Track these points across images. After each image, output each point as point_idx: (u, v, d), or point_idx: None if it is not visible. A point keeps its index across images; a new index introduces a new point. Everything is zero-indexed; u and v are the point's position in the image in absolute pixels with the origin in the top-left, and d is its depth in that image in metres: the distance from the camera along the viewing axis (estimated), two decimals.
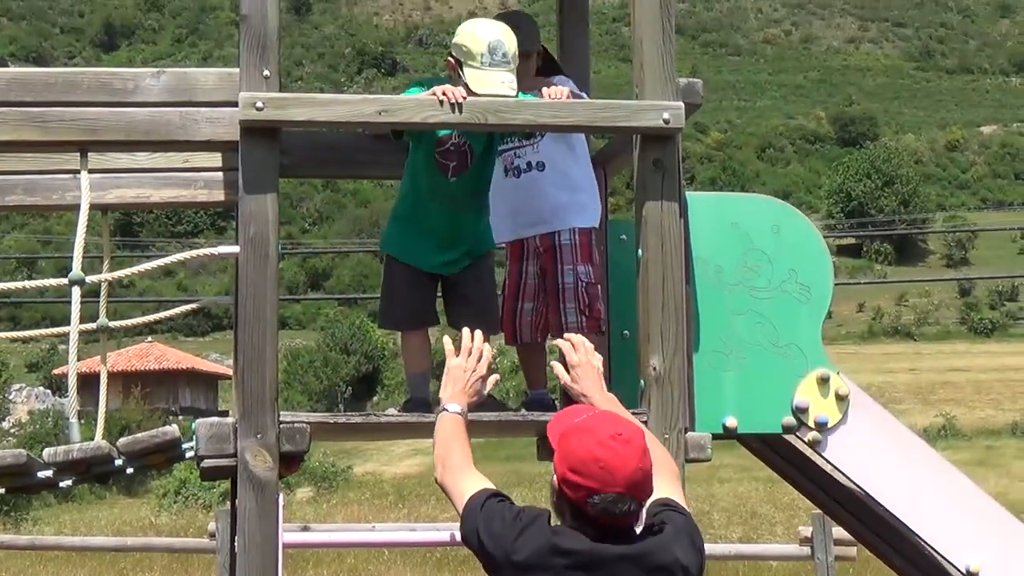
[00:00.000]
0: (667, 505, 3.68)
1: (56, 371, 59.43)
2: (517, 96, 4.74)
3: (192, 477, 32.55)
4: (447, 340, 4.14)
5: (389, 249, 5.28)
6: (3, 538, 18.78)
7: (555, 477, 3.56)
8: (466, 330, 4.17)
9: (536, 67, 5.37)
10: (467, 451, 3.91)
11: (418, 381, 5.28)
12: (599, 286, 5.15)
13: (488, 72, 4.72)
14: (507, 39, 4.80)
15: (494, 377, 4.16)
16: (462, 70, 4.78)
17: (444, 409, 4.00)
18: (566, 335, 4.26)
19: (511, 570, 3.54)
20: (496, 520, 3.61)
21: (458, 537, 4.71)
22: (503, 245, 5.42)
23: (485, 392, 4.12)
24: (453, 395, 4.03)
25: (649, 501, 3.59)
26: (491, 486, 3.76)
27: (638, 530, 3.56)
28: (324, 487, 37.94)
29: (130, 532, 23.85)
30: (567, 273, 5.20)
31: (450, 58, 4.86)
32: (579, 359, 4.14)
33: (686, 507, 3.75)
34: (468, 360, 4.09)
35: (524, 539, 3.53)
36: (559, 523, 3.60)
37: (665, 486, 3.74)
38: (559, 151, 5.32)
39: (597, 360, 4.16)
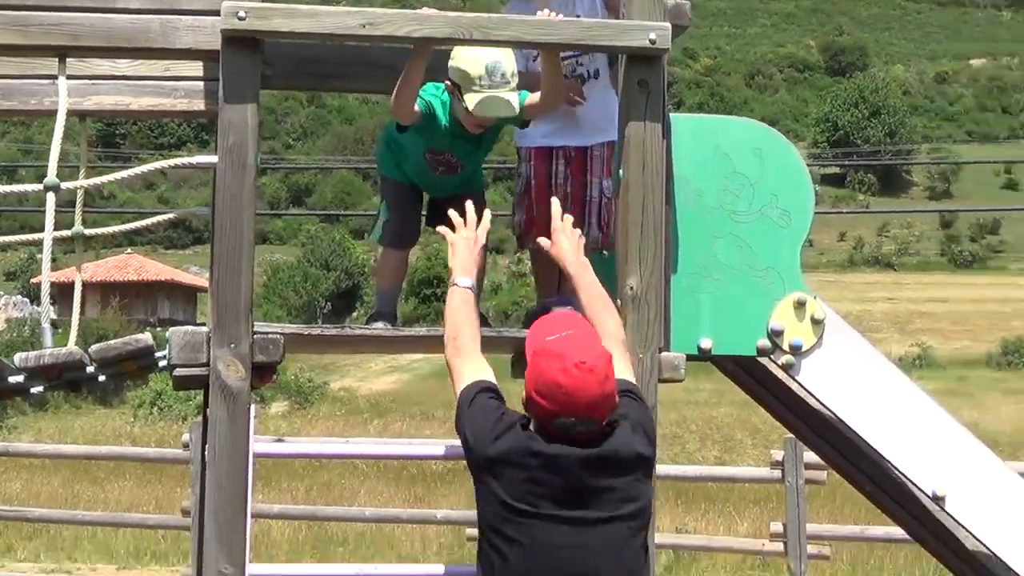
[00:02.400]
0: (626, 392, 3.92)
1: (34, 280, 59.29)
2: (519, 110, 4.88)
3: (168, 388, 32.62)
4: (442, 228, 4.35)
5: (385, 170, 5.29)
6: None
7: (525, 391, 3.78)
8: (453, 212, 4.35)
9: None
10: (475, 331, 4.09)
11: (387, 296, 5.29)
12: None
13: (488, 94, 4.75)
14: (505, 60, 4.81)
15: (486, 221, 4.37)
16: (461, 94, 4.79)
17: (455, 283, 4.16)
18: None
19: (486, 463, 3.74)
20: (481, 416, 3.81)
21: (433, 451, 4.78)
22: (521, 147, 5.38)
23: (482, 240, 4.33)
24: (463, 267, 4.19)
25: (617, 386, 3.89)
26: (488, 377, 3.96)
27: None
28: (299, 402, 38.04)
29: (104, 442, 23.90)
30: (594, 186, 5.21)
31: (447, 81, 4.86)
32: (561, 225, 4.32)
33: (633, 379, 4.06)
34: (468, 231, 4.29)
35: (503, 439, 3.73)
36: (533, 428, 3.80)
37: (620, 366, 3.98)
38: (603, 65, 5.32)
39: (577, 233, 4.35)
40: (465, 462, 3.89)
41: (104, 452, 16.39)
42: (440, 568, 4.67)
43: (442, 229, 4.38)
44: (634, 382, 4.03)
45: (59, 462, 20.66)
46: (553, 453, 3.67)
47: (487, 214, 4.43)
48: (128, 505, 18.03)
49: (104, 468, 21.37)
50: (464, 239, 4.27)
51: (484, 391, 3.90)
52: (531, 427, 3.78)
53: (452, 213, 4.36)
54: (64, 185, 4.57)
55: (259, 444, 4.36)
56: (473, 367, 3.98)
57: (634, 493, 3.74)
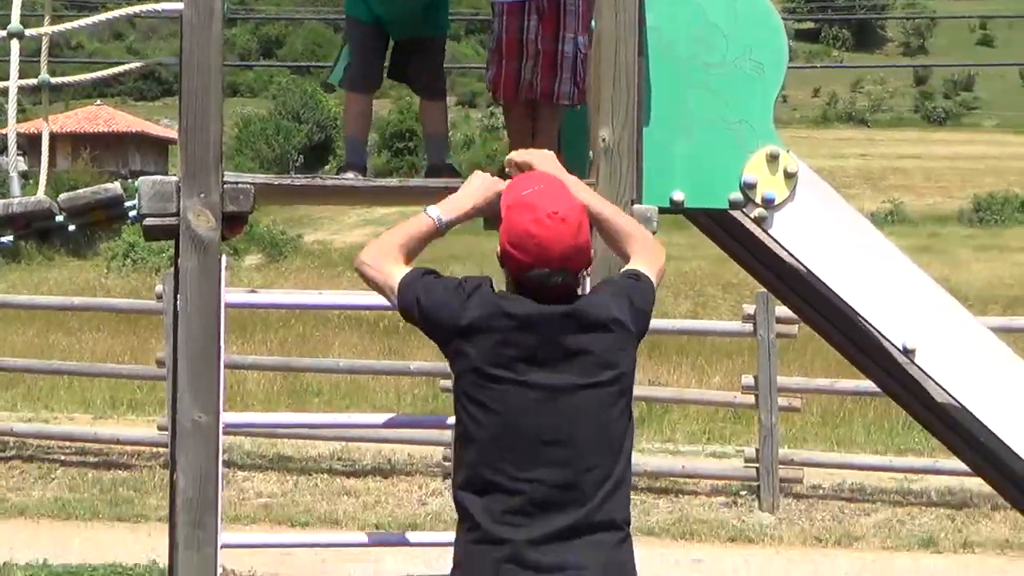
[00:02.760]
0: (632, 275, 3.85)
1: (2, 130, 58.75)
2: None
3: (141, 241, 32.51)
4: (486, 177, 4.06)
5: (349, 9, 5.26)
6: None
7: (499, 246, 3.69)
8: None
9: None
10: (408, 252, 3.86)
11: (356, 146, 5.28)
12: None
13: None
14: None
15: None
16: None
17: (424, 209, 3.94)
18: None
19: (457, 335, 3.64)
20: (437, 290, 3.70)
21: None
22: (495, 1, 5.28)
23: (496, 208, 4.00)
24: (448, 203, 3.96)
25: (622, 270, 3.87)
26: (422, 268, 3.81)
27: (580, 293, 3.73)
28: (273, 254, 38.05)
29: (78, 293, 23.90)
30: (568, 41, 5.08)
31: None
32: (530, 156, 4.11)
33: (654, 279, 3.88)
34: (492, 178, 4.04)
35: (471, 304, 3.63)
36: (503, 289, 3.72)
37: (638, 262, 3.90)
38: None
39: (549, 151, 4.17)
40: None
41: (78, 303, 16.40)
42: (413, 418, 4.70)
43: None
44: (651, 276, 3.88)
45: (33, 313, 20.68)
46: (525, 312, 3.60)
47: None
48: (103, 356, 18.10)
49: (78, 319, 21.41)
50: (482, 177, 4.06)
51: (427, 273, 3.77)
52: (494, 288, 3.70)
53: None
54: (28, 32, 4.52)
55: (231, 295, 4.37)
56: (399, 267, 3.80)
57: (612, 359, 3.66)
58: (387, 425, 9.29)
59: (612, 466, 3.63)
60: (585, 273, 3.82)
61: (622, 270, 3.89)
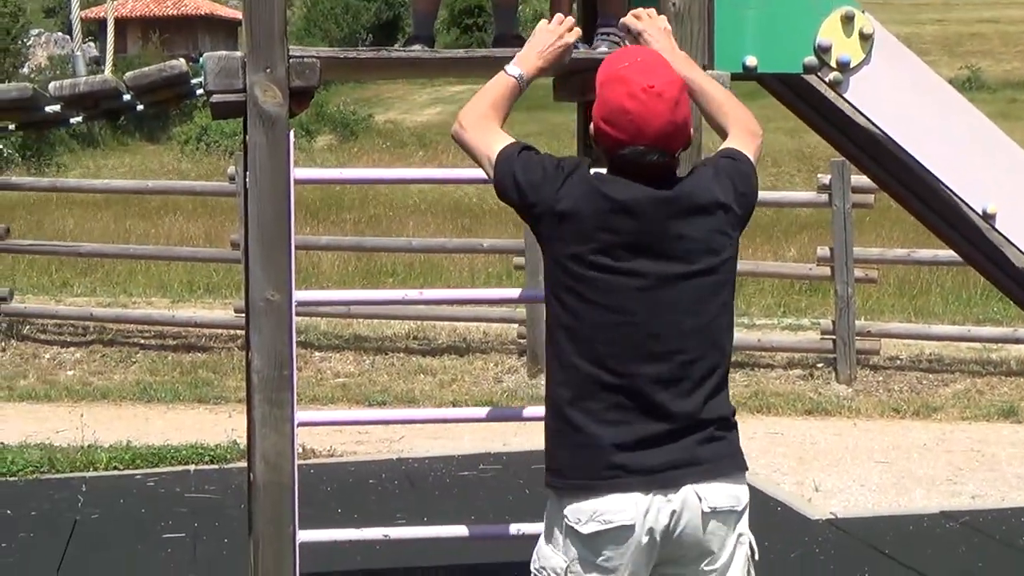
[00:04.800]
0: (730, 155, 3.67)
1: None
2: None
3: (214, 124, 32.63)
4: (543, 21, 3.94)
5: None
6: (25, 180, 19.01)
7: (592, 124, 3.54)
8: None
9: None
10: (500, 113, 3.74)
11: (423, 18, 5.19)
12: None
13: None
14: None
15: (577, 29, 3.95)
16: None
17: (504, 70, 3.81)
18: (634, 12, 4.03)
19: (552, 218, 3.48)
20: (536, 169, 3.53)
21: (470, 174, 4.67)
22: None
23: (567, 61, 3.95)
24: (521, 58, 3.83)
25: (719, 149, 3.67)
26: (522, 141, 3.66)
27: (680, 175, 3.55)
28: (344, 135, 38.05)
29: (153, 177, 24.05)
30: None
31: None
32: (644, 24, 3.97)
33: (752, 157, 3.72)
34: (557, 27, 3.90)
35: (568, 186, 3.47)
36: (600, 171, 3.55)
37: (736, 142, 3.75)
38: None
39: (663, 21, 4.00)
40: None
41: (152, 187, 16.50)
42: (490, 292, 4.65)
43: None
44: (749, 156, 3.71)
45: (109, 198, 20.87)
46: (625, 195, 3.42)
47: (578, 31, 3.99)
48: (179, 239, 18.25)
49: (154, 203, 21.58)
50: (548, 32, 3.88)
51: (526, 148, 3.62)
52: (591, 169, 3.54)
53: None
54: None
55: (300, 171, 4.34)
56: (498, 136, 3.65)
57: (714, 245, 3.48)
58: (461, 301, 9.31)
59: (718, 359, 3.52)
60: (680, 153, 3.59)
61: (719, 149, 3.71)
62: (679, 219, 3.44)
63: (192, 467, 8.80)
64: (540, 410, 3.87)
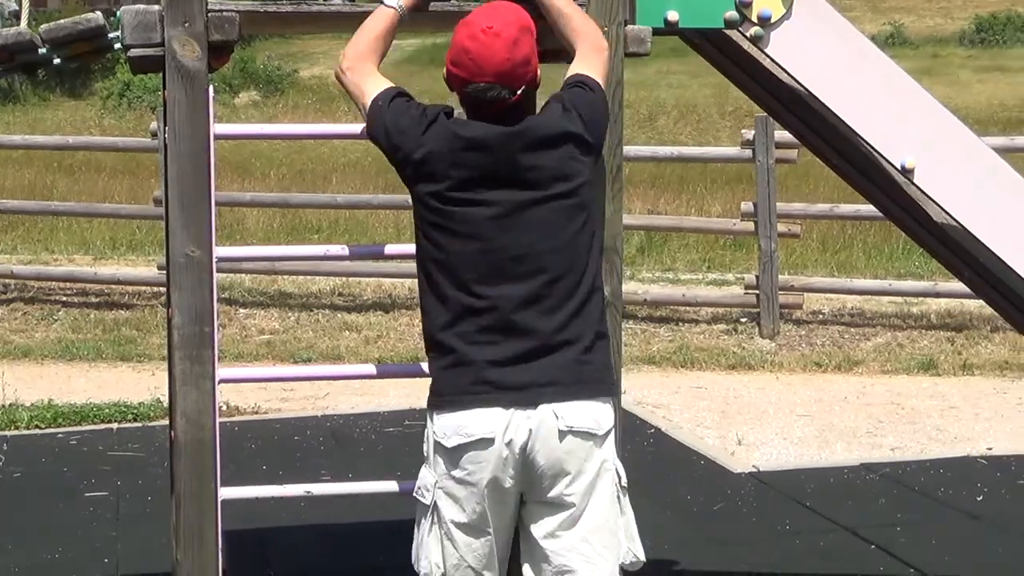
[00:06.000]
0: (578, 84, 3.84)
1: None
2: None
3: (136, 80, 32.22)
4: None
5: None
6: None
7: (445, 68, 3.76)
8: None
9: None
10: (380, 49, 3.94)
11: None
12: None
13: None
14: None
15: None
16: None
17: (382, 1, 3.94)
18: None
19: (415, 162, 3.70)
20: (404, 117, 3.75)
21: None
22: None
23: None
24: None
25: (566, 76, 3.87)
26: (396, 87, 3.85)
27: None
28: (269, 91, 37.69)
29: (74, 134, 23.74)
30: None
31: None
32: None
33: (601, 83, 3.88)
34: None
35: (429, 132, 3.69)
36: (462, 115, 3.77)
37: (584, 63, 3.90)
38: None
39: None
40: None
41: (74, 142, 16.30)
42: (406, 248, 4.61)
43: None
44: (598, 80, 3.88)
45: (30, 154, 20.58)
46: (476, 134, 3.65)
47: None
48: (102, 196, 18.03)
49: (76, 160, 21.33)
50: None
51: (400, 95, 3.81)
52: (453, 115, 3.76)
53: None
54: None
55: (219, 126, 4.29)
56: (375, 80, 3.85)
57: (566, 171, 3.69)
58: (384, 256, 9.27)
59: (577, 280, 3.68)
60: (535, 88, 3.84)
61: (566, 77, 3.88)
62: (528, 152, 3.66)
63: (115, 425, 8.76)
64: None
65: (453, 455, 3.61)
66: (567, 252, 3.67)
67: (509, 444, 3.57)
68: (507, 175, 3.66)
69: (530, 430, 3.58)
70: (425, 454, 3.72)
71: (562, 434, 3.59)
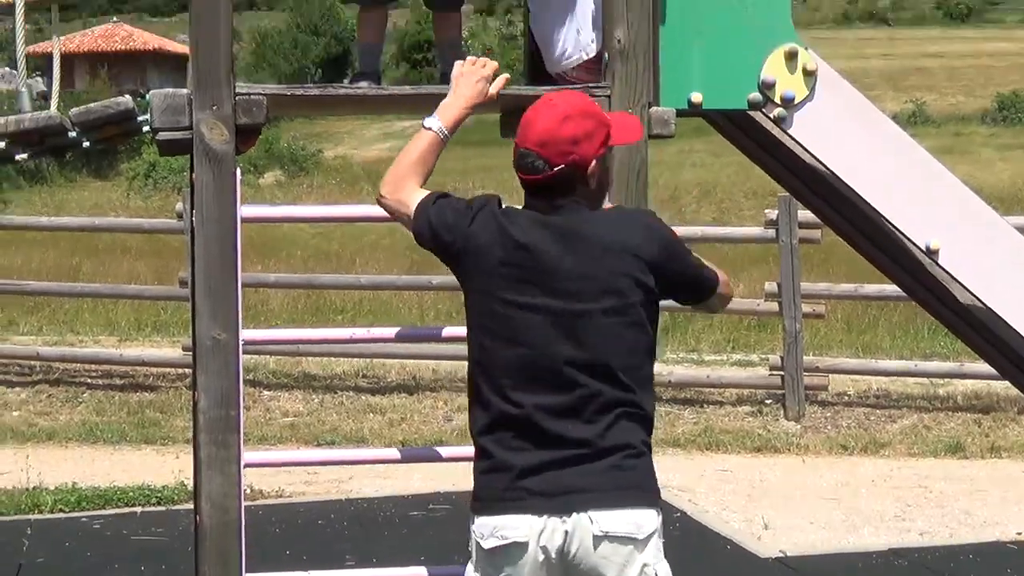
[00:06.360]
0: (670, 234, 3.69)
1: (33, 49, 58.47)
2: None
3: (162, 160, 32.48)
4: (457, 63, 4.01)
5: None
6: None
7: None
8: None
9: None
10: (422, 170, 3.85)
11: (370, 53, 5.20)
12: None
13: None
14: None
15: (503, 77, 4.02)
16: None
17: (422, 124, 3.90)
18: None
19: (463, 255, 3.64)
20: (448, 212, 3.68)
21: None
22: None
23: (493, 92, 3.98)
24: (443, 109, 3.91)
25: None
26: (438, 191, 3.80)
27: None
28: (294, 171, 37.95)
29: (101, 215, 23.89)
30: None
31: None
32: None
33: (705, 283, 3.75)
34: (472, 67, 3.97)
35: (476, 224, 3.62)
36: (513, 205, 3.68)
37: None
38: None
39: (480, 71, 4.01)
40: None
41: (100, 224, 16.40)
42: (439, 330, 4.62)
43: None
44: (703, 272, 3.73)
45: (56, 235, 20.68)
46: (525, 232, 3.55)
47: (504, 75, 4.04)
48: (127, 277, 18.10)
49: (102, 241, 21.43)
50: (463, 74, 3.96)
51: (441, 197, 3.75)
52: (501, 205, 3.67)
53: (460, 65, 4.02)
54: None
55: (246, 209, 4.31)
56: (416, 193, 3.78)
57: (619, 286, 3.54)
58: (409, 339, 9.27)
59: (621, 395, 3.55)
60: (586, 180, 3.61)
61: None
62: (577, 256, 3.55)
63: (139, 509, 8.72)
64: None
65: (491, 556, 3.59)
66: (610, 369, 3.54)
67: (544, 549, 3.52)
68: (551, 279, 3.55)
69: (566, 533, 3.52)
70: (469, 550, 3.71)
71: (597, 539, 3.51)
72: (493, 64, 4.01)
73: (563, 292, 3.54)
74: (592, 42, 4.70)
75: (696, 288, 3.75)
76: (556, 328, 3.54)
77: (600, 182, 3.65)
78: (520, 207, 3.65)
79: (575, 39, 4.77)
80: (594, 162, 3.59)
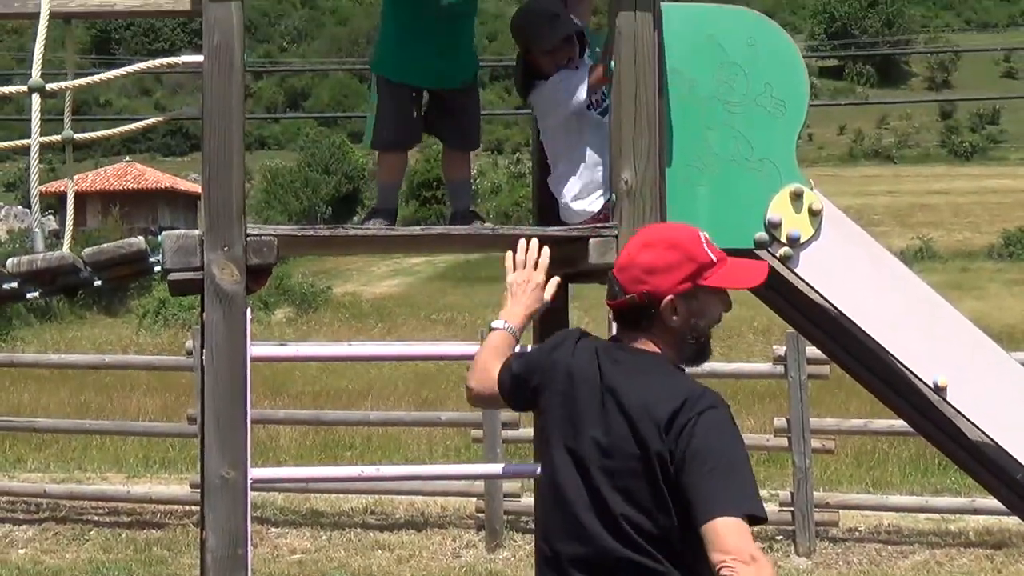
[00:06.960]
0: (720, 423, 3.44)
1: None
2: None
3: (172, 297, 32.59)
4: (508, 255, 4.10)
5: (382, 70, 5.22)
6: None
7: None
8: (522, 241, 4.13)
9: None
10: (498, 361, 3.87)
11: (388, 191, 5.26)
12: None
13: None
14: None
15: (555, 281, 4.10)
16: None
17: (489, 326, 4.02)
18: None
19: (534, 392, 3.66)
20: (524, 362, 3.74)
21: (429, 350, 4.73)
22: None
23: (548, 298, 4.07)
24: (506, 312, 4.01)
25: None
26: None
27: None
28: (303, 308, 38.07)
29: (110, 351, 23.94)
30: None
31: None
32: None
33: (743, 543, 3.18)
34: (524, 272, 4.06)
35: (556, 354, 3.62)
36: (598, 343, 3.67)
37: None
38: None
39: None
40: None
41: (109, 361, 16.41)
42: (448, 468, 4.63)
43: (507, 262, 4.08)
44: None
45: (66, 372, 20.71)
46: (580, 368, 3.49)
47: (547, 251, 4.10)
48: (136, 414, 18.10)
49: (111, 377, 21.43)
50: (519, 284, 4.04)
51: (518, 355, 3.83)
52: (578, 340, 3.63)
53: (509, 256, 4.09)
54: (49, 86, 4.50)
55: (257, 348, 4.34)
56: (494, 373, 3.83)
57: (631, 449, 3.31)
58: (418, 477, 9.25)
59: (631, 555, 3.33)
60: (662, 316, 3.45)
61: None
62: (610, 410, 3.38)
63: None
64: None
65: None
66: (621, 527, 3.34)
67: None
68: (586, 426, 3.43)
69: None
70: None
71: None
72: (544, 263, 4.07)
73: (589, 440, 3.41)
74: (599, 197, 4.77)
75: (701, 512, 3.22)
76: (584, 478, 3.41)
77: (684, 323, 3.48)
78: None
79: (581, 196, 4.84)
80: (669, 297, 3.43)
